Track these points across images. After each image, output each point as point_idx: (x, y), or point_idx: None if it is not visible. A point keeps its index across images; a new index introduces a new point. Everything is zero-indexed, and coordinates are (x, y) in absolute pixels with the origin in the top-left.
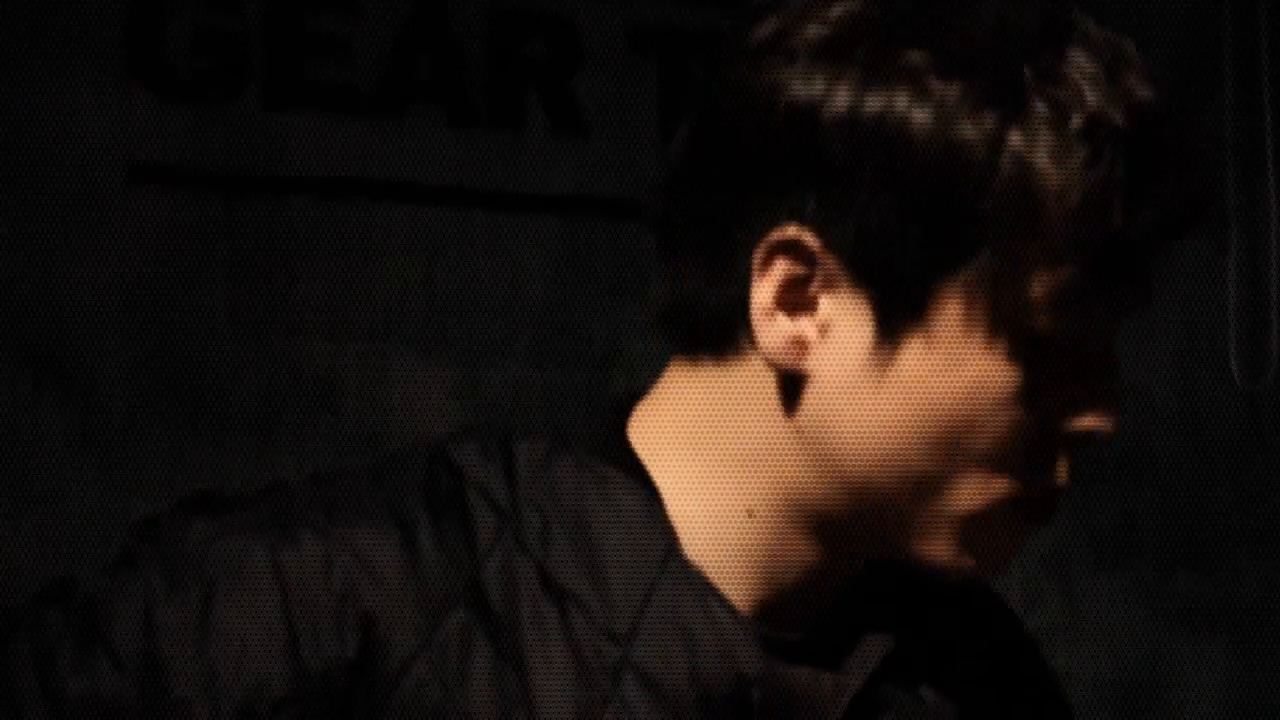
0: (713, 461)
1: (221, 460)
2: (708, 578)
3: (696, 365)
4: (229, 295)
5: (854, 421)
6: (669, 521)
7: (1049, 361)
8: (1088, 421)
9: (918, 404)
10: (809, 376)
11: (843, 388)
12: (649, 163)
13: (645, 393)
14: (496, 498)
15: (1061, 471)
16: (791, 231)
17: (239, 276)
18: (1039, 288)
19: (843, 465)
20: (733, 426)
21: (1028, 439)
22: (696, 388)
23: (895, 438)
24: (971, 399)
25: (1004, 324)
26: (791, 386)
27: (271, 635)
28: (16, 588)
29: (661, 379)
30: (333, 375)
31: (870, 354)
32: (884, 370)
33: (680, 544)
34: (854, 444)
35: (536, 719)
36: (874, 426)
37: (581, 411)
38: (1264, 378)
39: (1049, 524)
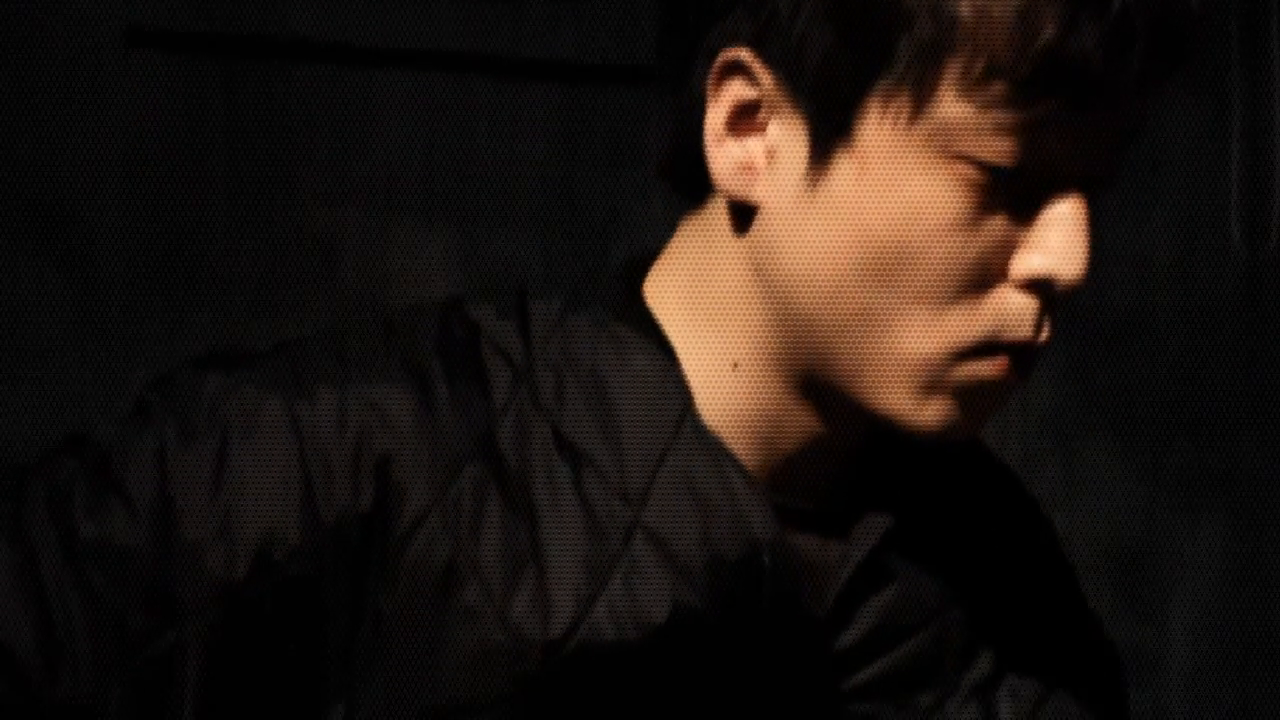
0: (700, 314)
1: (221, 326)
2: (722, 441)
3: (689, 219)
4: (228, 160)
5: (795, 250)
6: (685, 383)
7: (989, 193)
8: (1036, 263)
9: (852, 229)
10: (760, 206)
11: (784, 214)
12: (651, 29)
13: (659, 252)
14: (512, 355)
15: (1024, 321)
16: (734, 53)
17: (238, 141)
18: (965, 107)
19: (792, 301)
20: (710, 275)
21: (972, 275)
22: (689, 239)
23: (833, 265)
24: (906, 226)
25: (936, 148)
26: (744, 218)
27: (286, 485)
28: (17, 455)
29: (672, 238)
30: (332, 241)
31: (805, 177)
32: (817, 193)
33: (696, 406)
34: (797, 275)
35: (546, 575)
36: (813, 255)
37: (582, 278)
38: (1265, 246)
39: (1020, 381)
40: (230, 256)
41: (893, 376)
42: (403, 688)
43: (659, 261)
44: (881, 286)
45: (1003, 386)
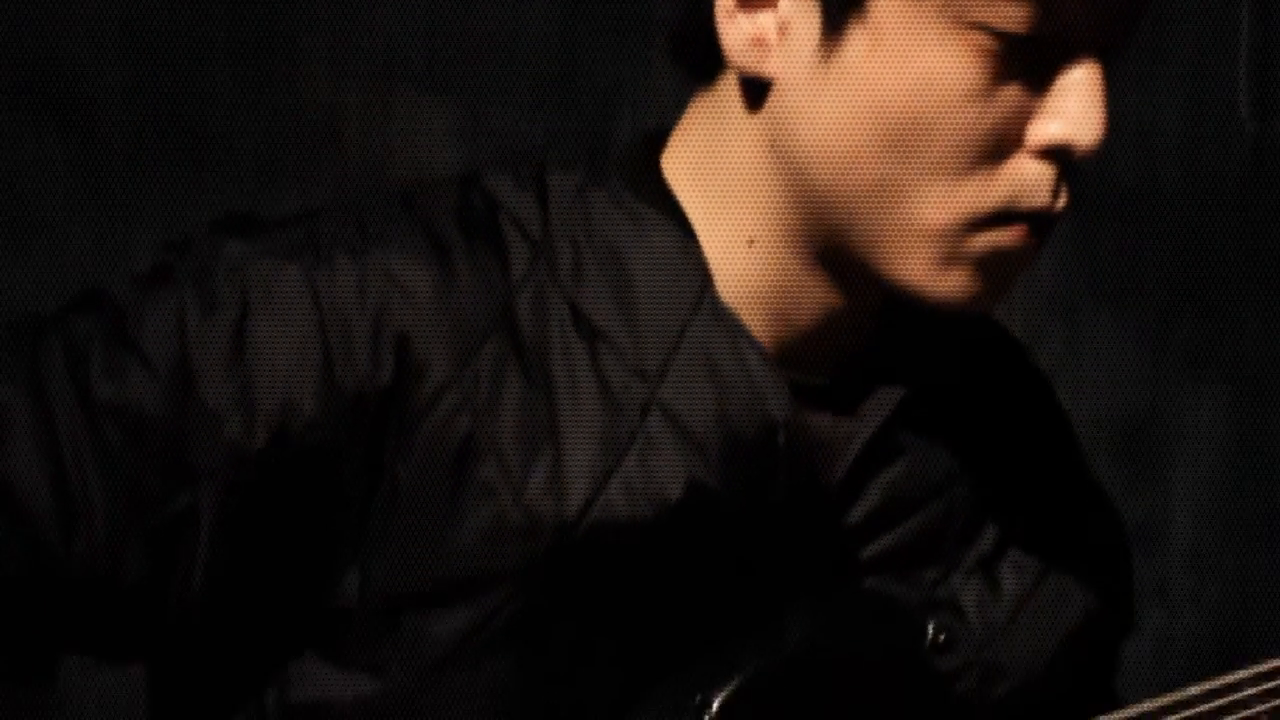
0: (715, 192)
1: (223, 194)
2: (739, 319)
3: (700, 96)
4: (229, 30)
5: (810, 125)
6: (704, 261)
7: (1004, 62)
8: (1053, 130)
9: (867, 102)
10: (773, 81)
11: (798, 88)
12: None
13: (672, 129)
14: (530, 229)
15: (1040, 188)
16: None
17: (239, 11)
18: None
19: (809, 175)
20: (723, 152)
21: (988, 144)
22: (700, 115)
23: (849, 139)
24: (921, 96)
25: (950, 17)
26: (757, 94)
27: (306, 355)
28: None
29: (684, 114)
30: (334, 113)
31: (818, 50)
32: (831, 66)
33: (714, 284)
34: (813, 149)
35: (562, 452)
36: (828, 128)
37: (596, 152)
38: (1272, 119)
39: (1037, 249)
40: (232, 124)
41: (911, 247)
42: (416, 559)
43: (673, 138)
44: (898, 158)
45: (1021, 255)
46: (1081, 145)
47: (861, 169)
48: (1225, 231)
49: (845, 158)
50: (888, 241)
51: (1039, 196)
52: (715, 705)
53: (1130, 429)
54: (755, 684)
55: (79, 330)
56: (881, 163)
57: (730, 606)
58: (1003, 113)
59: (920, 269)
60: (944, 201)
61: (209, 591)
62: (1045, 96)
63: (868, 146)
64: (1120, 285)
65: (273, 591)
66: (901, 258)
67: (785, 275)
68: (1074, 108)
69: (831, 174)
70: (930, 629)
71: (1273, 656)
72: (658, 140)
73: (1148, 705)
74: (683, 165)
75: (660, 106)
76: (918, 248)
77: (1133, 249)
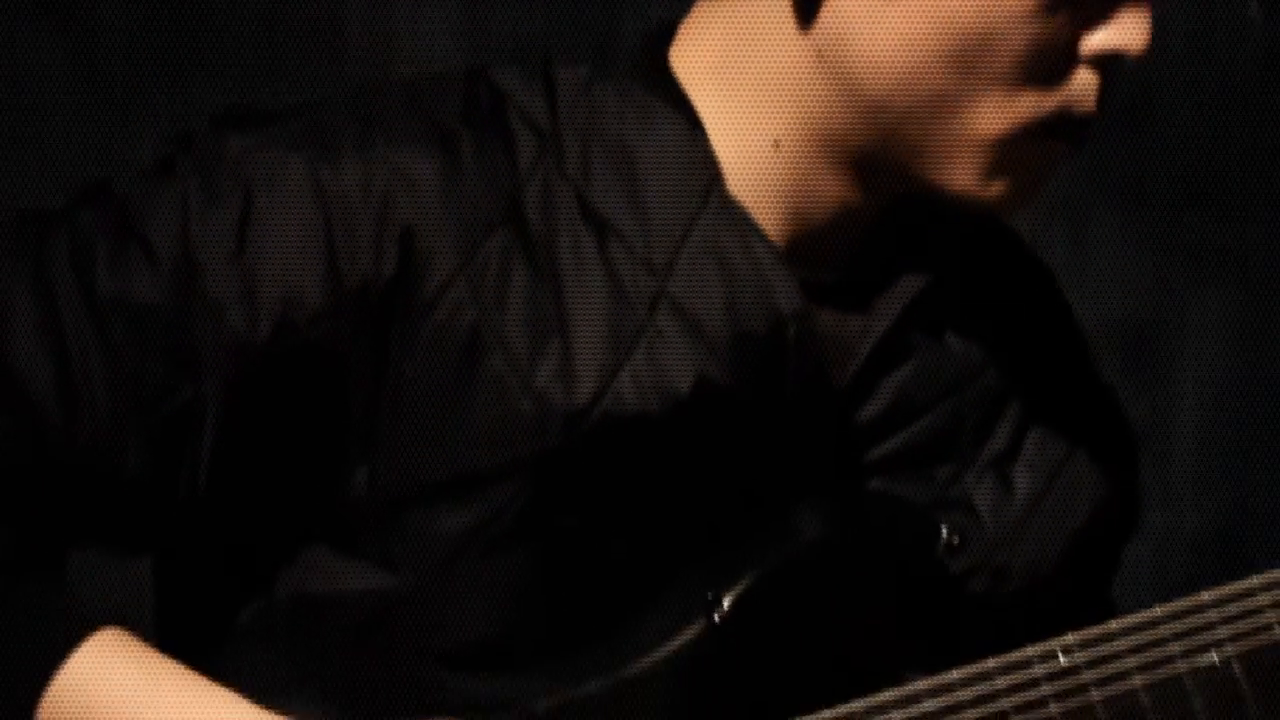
0: (738, 92)
1: (224, 89)
2: (749, 213)
3: None
4: None
5: (870, 38)
6: (712, 155)
7: None
8: (1112, 38)
9: (934, 16)
10: None
11: (859, 2)
12: None
13: (681, 22)
14: (538, 121)
15: (1089, 95)
16: None
17: None
18: None
19: (861, 86)
20: (756, 54)
21: (1048, 56)
22: (722, 17)
23: (911, 55)
24: (987, 12)
25: None
26: (810, 5)
27: (309, 247)
28: None
29: (693, 9)
30: (336, 10)
31: None
32: None
33: (723, 178)
34: (871, 63)
35: (571, 344)
36: (890, 43)
37: (589, 51)
38: None
39: (1078, 151)
40: (233, 20)
41: (962, 156)
42: (426, 453)
43: (683, 33)
44: (960, 72)
45: (1060, 160)
46: (1132, 51)
47: (922, 82)
48: (1234, 133)
49: (906, 71)
50: (938, 151)
51: (1087, 103)
52: (727, 602)
53: (1136, 331)
54: (767, 582)
55: (83, 224)
56: (943, 76)
57: (740, 503)
58: (1062, 25)
59: (969, 177)
60: (1000, 112)
61: (215, 484)
62: (1098, 7)
63: (931, 60)
64: (1127, 186)
65: (279, 485)
66: (951, 166)
67: (808, 176)
68: (1126, 16)
69: (889, 86)
70: (943, 529)
71: None
72: (665, 34)
73: (1159, 610)
74: (698, 62)
75: (664, 5)
76: (969, 157)
77: (1140, 150)
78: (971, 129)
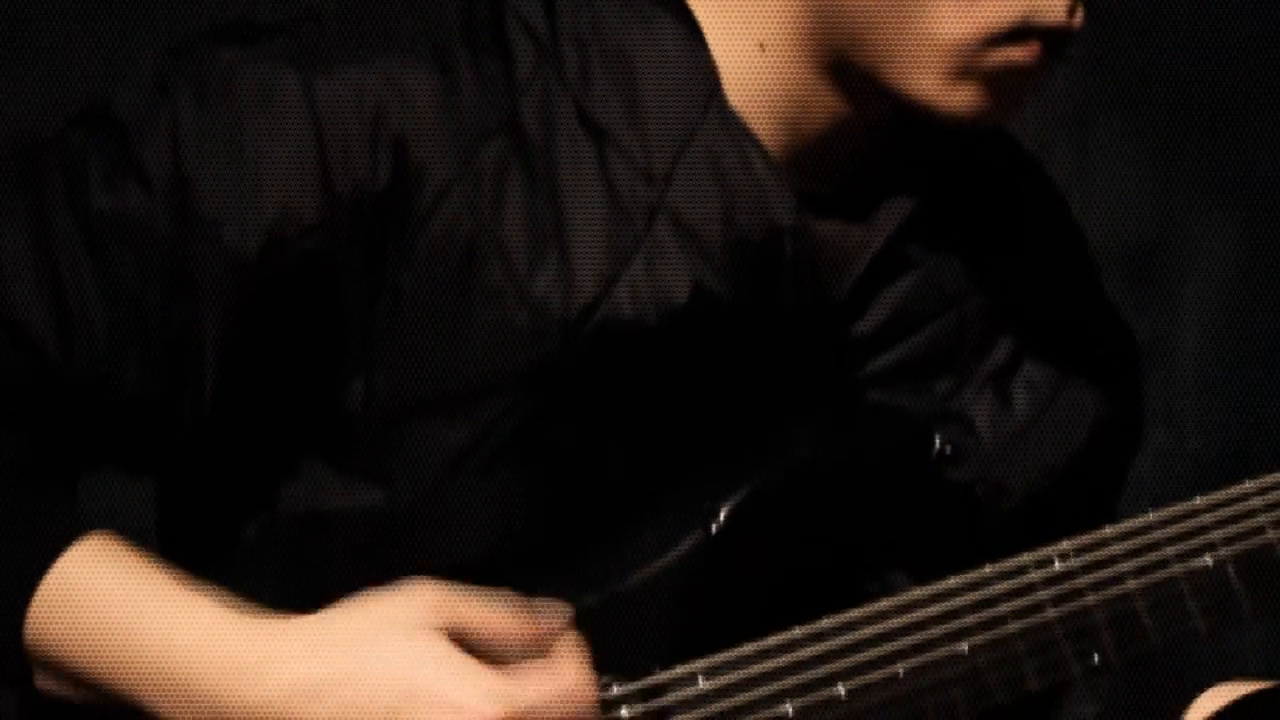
0: None
1: (223, 5)
2: (746, 124)
3: None
4: None
5: None
6: (713, 65)
7: None
8: None
9: None
10: None
11: None
12: None
13: None
14: (537, 30)
15: (1058, 6)
16: None
17: None
18: None
19: None
20: None
21: None
22: None
23: None
24: None
25: None
26: None
27: (302, 159)
28: (22, 135)
29: None
30: None
31: None
32: None
33: (722, 88)
34: None
35: (568, 254)
36: None
37: None
38: None
39: (1050, 68)
40: None
41: (924, 60)
42: (422, 367)
43: None
44: None
45: (1034, 73)
46: None
47: None
48: (1241, 49)
49: None
50: (901, 55)
51: (1055, 13)
52: (723, 513)
53: (1140, 249)
54: (763, 493)
55: (77, 147)
56: None
57: (737, 416)
58: None
59: (931, 84)
60: (962, 16)
61: (217, 404)
62: None
63: None
64: (1132, 102)
65: (278, 402)
66: (914, 72)
67: (795, 81)
68: None
69: None
70: (938, 441)
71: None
72: None
73: (1152, 516)
74: None
75: None
76: (931, 62)
77: (1146, 65)
78: (934, 31)
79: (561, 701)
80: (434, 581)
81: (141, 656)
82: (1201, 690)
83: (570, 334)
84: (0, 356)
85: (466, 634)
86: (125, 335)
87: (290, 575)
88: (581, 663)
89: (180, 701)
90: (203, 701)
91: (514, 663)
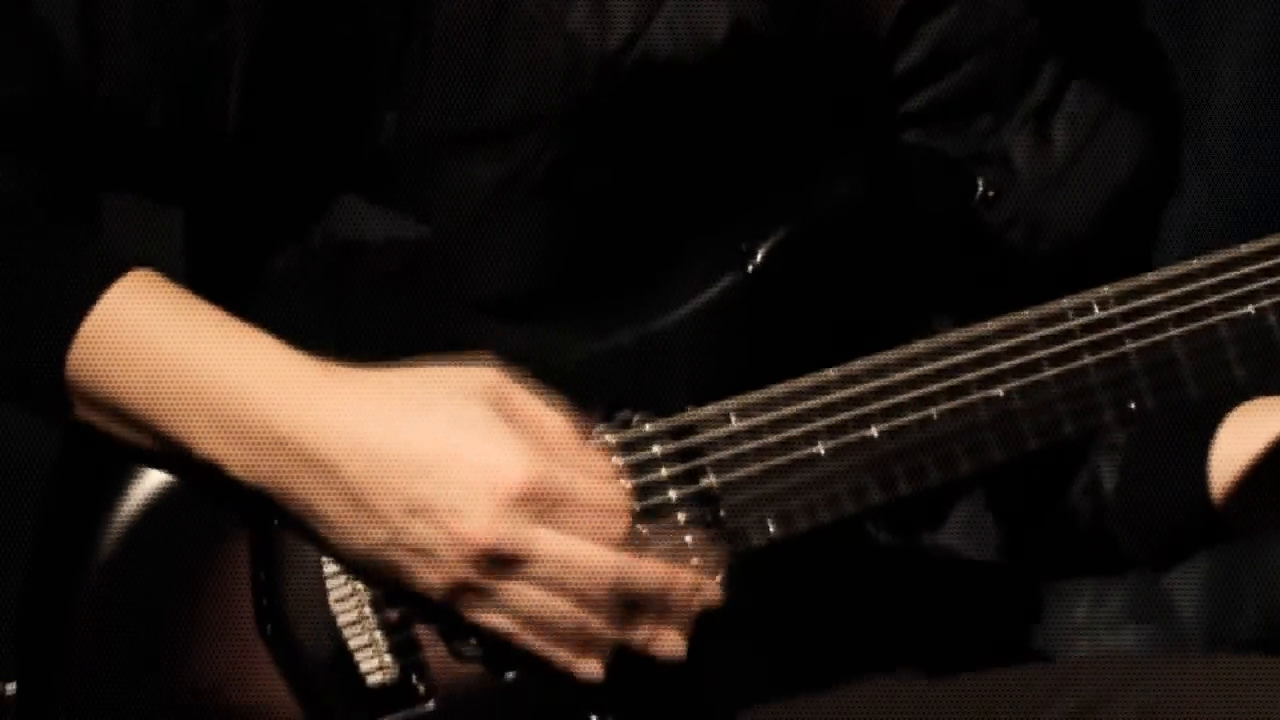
0: None
1: None
2: None
3: None
4: None
5: None
6: None
7: None
8: None
9: None
10: None
11: None
12: None
13: None
14: None
15: None
16: None
17: None
18: None
19: None
20: None
21: None
22: None
23: None
24: None
25: None
26: None
27: None
28: None
29: None
30: None
31: None
32: None
33: None
34: None
35: None
36: None
37: None
38: None
39: None
40: None
41: None
42: (455, 101)
43: None
44: None
45: None
46: None
47: None
48: None
49: None
50: None
51: None
52: (760, 254)
53: None
54: (800, 234)
55: None
56: None
57: (774, 157)
58: None
59: None
60: None
61: (242, 128)
62: None
63: None
64: None
65: (307, 129)
66: None
67: None
68: None
69: None
70: (979, 182)
71: None
72: None
73: (1196, 263)
74: None
75: None
76: None
77: None
78: None
79: (592, 499)
80: (497, 362)
81: (191, 386)
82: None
83: (606, 70)
84: (24, 69)
85: (515, 417)
86: (153, 50)
87: (318, 308)
88: (620, 482)
89: (227, 430)
90: (251, 429)
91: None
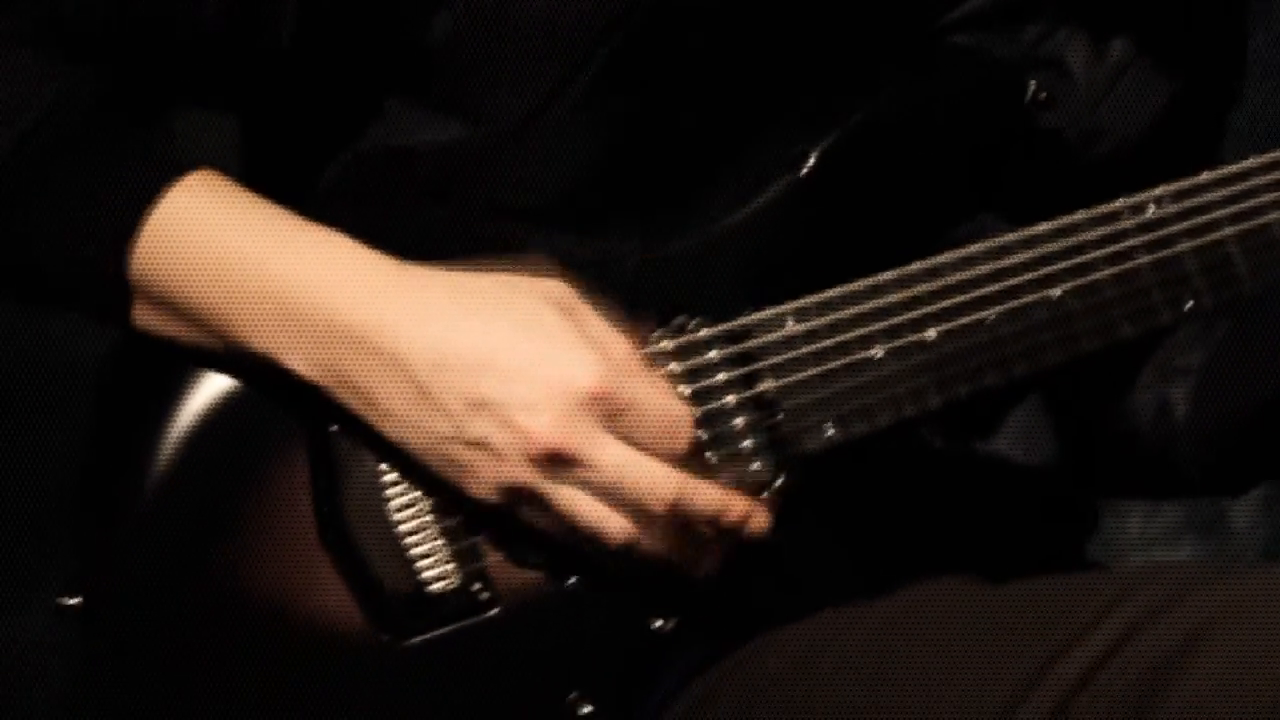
0: None
1: None
2: None
3: None
4: None
5: None
6: None
7: None
8: None
9: None
10: None
11: None
12: None
13: None
14: None
15: None
16: None
17: None
18: None
19: None
20: None
21: None
22: None
23: None
24: None
25: None
26: None
27: None
28: None
29: None
30: None
31: None
32: None
33: None
34: None
35: None
36: None
37: None
38: None
39: None
40: None
41: None
42: (505, 5)
43: None
44: None
45: None
46: None
47: None
48: None
49: None
50: None
51: None
52: (813, 157)
53: None
54: (853, 136)
55: None
56: None
57: (824, 61)
58: None
59: None
60: None
61: (299, 38)
62: None
63: None
64: None
65: (362, 32)
66: None
67: None
68: None
69: None
70: (1031, 86)
71: None
72: None
73: (1252, 161)
74: None
75: None
76: None
77: None
78: None
79: (659, 413)
80: (564, 273)
81: (258, 283)
82: None
83: None
84: None
85: (584, 328)
86: None
87: (372, 211)
88: (683, 399)
89: (292, 321)
90: (317, 322)
91: None
